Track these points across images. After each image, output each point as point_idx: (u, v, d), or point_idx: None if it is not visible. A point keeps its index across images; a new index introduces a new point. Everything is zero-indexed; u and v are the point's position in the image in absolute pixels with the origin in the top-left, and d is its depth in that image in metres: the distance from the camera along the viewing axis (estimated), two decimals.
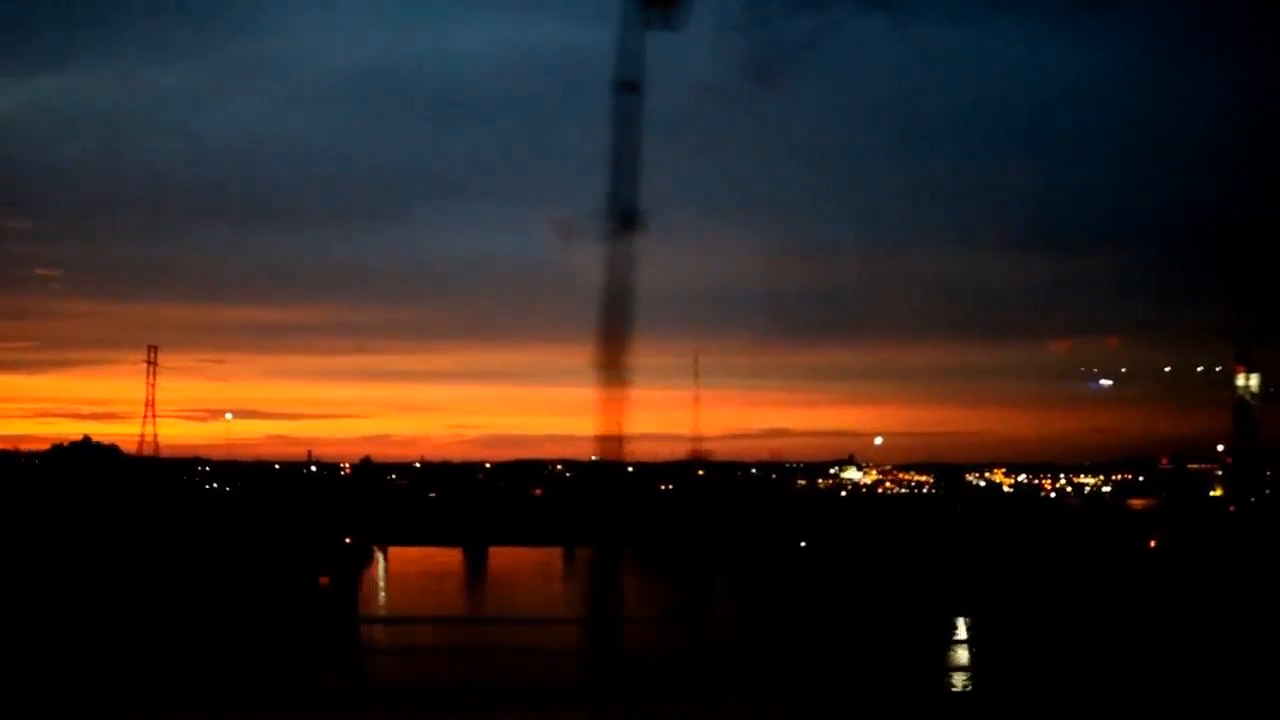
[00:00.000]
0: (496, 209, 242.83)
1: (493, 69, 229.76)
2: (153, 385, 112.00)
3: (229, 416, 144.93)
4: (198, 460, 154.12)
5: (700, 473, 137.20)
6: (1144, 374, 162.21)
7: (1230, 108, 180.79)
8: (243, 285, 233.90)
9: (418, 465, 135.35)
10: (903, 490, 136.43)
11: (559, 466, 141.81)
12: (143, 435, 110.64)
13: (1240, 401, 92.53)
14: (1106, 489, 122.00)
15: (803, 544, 67.63)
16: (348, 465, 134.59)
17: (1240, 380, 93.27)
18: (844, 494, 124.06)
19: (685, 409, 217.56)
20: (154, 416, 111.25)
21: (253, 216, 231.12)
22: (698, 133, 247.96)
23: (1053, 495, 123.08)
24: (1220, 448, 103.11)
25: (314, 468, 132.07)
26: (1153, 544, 54.55)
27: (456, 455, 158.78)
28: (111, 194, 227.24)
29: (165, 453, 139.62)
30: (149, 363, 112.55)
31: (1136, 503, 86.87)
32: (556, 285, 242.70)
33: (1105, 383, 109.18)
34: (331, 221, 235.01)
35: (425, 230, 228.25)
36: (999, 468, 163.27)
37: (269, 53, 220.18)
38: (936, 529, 66.49)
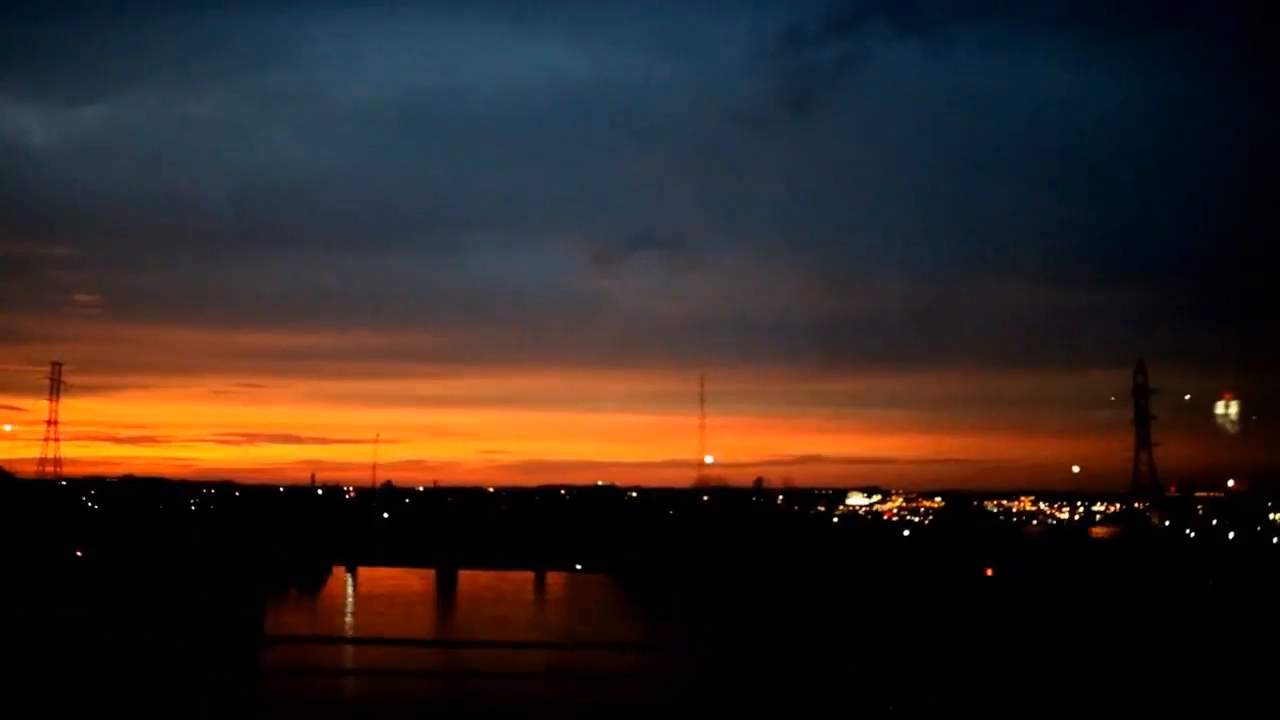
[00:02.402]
0: (532, 238, 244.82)
1: (529, 100, 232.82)
2: (55, 404, 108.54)
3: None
4: (230, 484, 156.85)
5: (705, 498, 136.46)
6: (1174, 402, 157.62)
7: (1270, 137, 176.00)
8: (279, 311, 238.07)
9: (420, 490, 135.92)
10: (909, 517, 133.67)
11: (563, 491, 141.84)
12: (43, 456, 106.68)
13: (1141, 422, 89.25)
14: (1064, 517, 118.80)
15: None
16: (351, 488, 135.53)
17: (1220, 408, 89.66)
18: (835, 520, 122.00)
19: (721, 434, 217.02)
20: (57, 439, 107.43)
21: (290, 244, 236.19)
22: (735, 161, 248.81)
23: (1051, 521, 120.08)
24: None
25: (319, 491, 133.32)
26: (989, 572, 53.36)
27: (488, 481, 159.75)
28: (150, 222, 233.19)
29: (199, 476, 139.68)
30: (52, 380, 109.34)
31: (1098, 531, 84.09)
32: (590, 313, 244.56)
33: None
34: (368, 249, 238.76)
35: (462, 258, 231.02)
36: (1026, 495, 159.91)
37: (305, 84, 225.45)
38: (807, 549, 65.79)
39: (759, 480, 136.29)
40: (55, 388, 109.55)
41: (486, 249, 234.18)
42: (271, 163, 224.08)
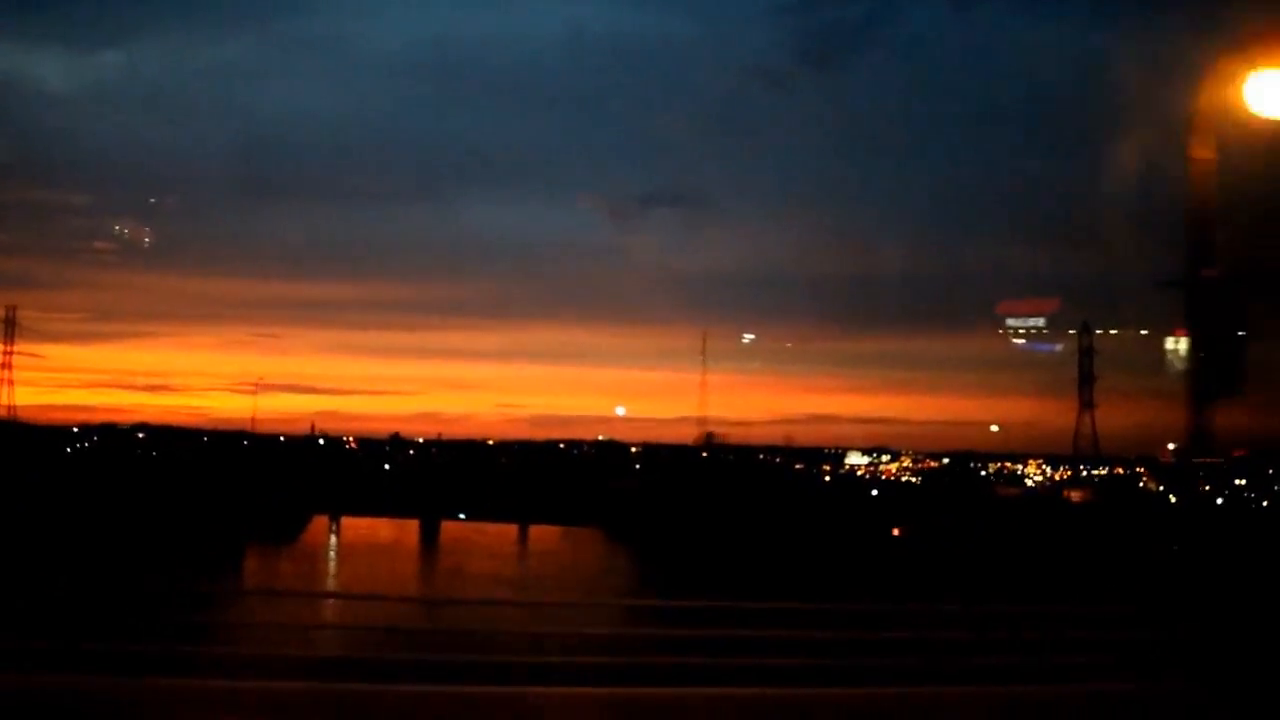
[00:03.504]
0: (549, 191, 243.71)
1: (548, 52, 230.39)
2: (9, 349, 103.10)
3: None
4: (241, 434, 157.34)
5: (704, 455, 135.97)
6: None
7: None
8: (297, 260, 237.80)
9: (420, 441, 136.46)
10: (910, 478, 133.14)
11: (561, 446, 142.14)
12: None
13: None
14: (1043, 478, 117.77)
15: None
16: (352, 439, 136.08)
17: (1170, 344, 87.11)
18: (826, 480, 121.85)
19: (738, 392, 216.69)
20: (11, 383, 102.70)
21: (307, 193, 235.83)
22: (750, 116, 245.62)
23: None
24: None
25: (321, 441, 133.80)
26: (895, 532, 52.82)
27: (501, 434, 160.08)
28: (168, 169, 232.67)
29: (213, 425, 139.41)
30: (6, 322, 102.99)
31: (1073, 495, 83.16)
32: (606, 269, 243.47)
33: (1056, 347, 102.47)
34: (386, 199, 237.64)
35: (480, 210, 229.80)
36: (1037, 458, 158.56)
37: (328, 30, 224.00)
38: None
39: (709, 435, 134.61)
40: (9, 330, 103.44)
41: (504, 202, 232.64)
42: (291, 111, 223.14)
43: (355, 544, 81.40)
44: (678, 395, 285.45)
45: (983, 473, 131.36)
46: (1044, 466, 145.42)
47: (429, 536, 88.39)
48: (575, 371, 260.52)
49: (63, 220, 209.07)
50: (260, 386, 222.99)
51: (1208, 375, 11.60)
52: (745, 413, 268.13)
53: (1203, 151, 12.29)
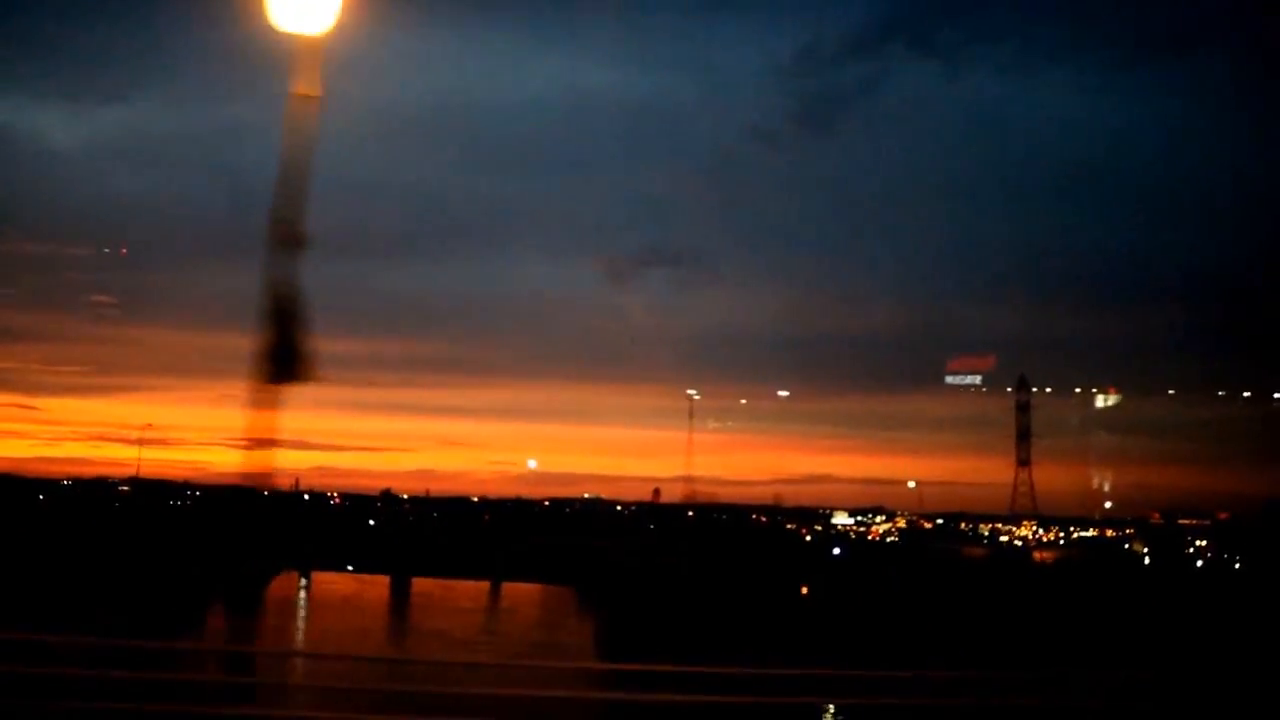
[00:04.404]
0: (549, 250, 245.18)
1: (547, 114, 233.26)
2: None
3: None
4: (235, 488, 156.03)
5: (690, 514, 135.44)
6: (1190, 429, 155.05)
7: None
8: None
9: (404, 498, 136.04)
10: (891, 538, 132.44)
11: (545, 504, 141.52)
12: None
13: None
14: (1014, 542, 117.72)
15: None
16: (336, 495, 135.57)
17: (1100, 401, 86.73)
18: (808, 538, 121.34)
19: (736, 451, 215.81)
20: None
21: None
22: (747, 175, 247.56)
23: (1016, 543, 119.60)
24: None
25: (305, 496, 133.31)
26: (804, 590, 52.37)
27: (497, 492, 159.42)
28: (168, 224, 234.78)
29: (211, 479, 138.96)
30: None
31: (1042, 555, 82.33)
32: (603, 327, 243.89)
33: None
34: (380, 257, 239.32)
35: (476, 269, 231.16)
36: (1030, 519, 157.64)
37: (331, 91, 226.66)
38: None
39: (656, 491, 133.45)
40: None
41: (502, 260, 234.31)
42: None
43: (320, 601, 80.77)
44: (675, 453, 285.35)
45: (983, 532, 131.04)
46: (1036, 528, 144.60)
47: (399, 593, 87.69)
48: (570, 429, 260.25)
49: (62, 274, 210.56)
50: (256, 442, 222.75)
51: (274, 355, 10.27)
52: (742, 472, 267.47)
53: (304, 88, 10.92)
